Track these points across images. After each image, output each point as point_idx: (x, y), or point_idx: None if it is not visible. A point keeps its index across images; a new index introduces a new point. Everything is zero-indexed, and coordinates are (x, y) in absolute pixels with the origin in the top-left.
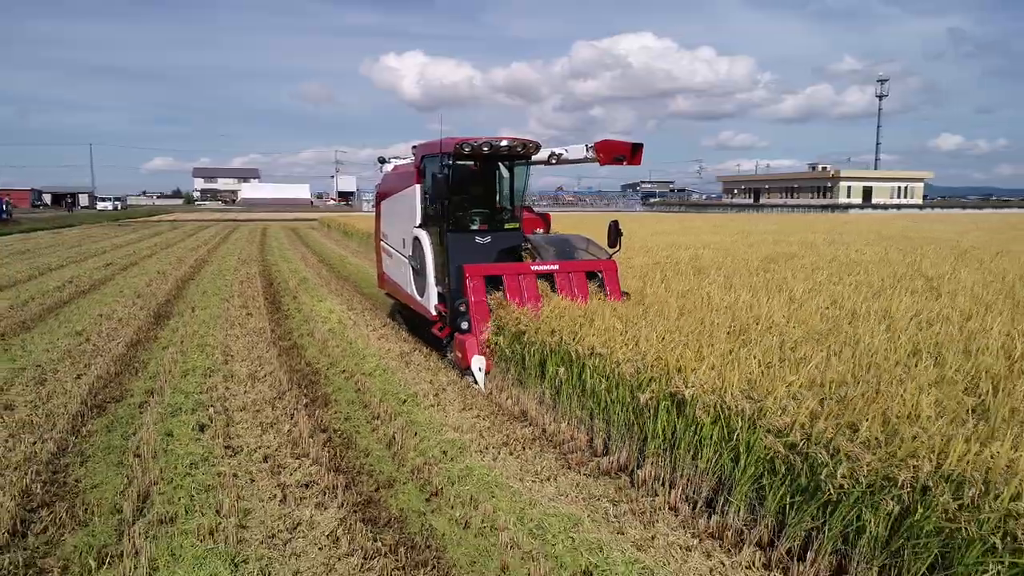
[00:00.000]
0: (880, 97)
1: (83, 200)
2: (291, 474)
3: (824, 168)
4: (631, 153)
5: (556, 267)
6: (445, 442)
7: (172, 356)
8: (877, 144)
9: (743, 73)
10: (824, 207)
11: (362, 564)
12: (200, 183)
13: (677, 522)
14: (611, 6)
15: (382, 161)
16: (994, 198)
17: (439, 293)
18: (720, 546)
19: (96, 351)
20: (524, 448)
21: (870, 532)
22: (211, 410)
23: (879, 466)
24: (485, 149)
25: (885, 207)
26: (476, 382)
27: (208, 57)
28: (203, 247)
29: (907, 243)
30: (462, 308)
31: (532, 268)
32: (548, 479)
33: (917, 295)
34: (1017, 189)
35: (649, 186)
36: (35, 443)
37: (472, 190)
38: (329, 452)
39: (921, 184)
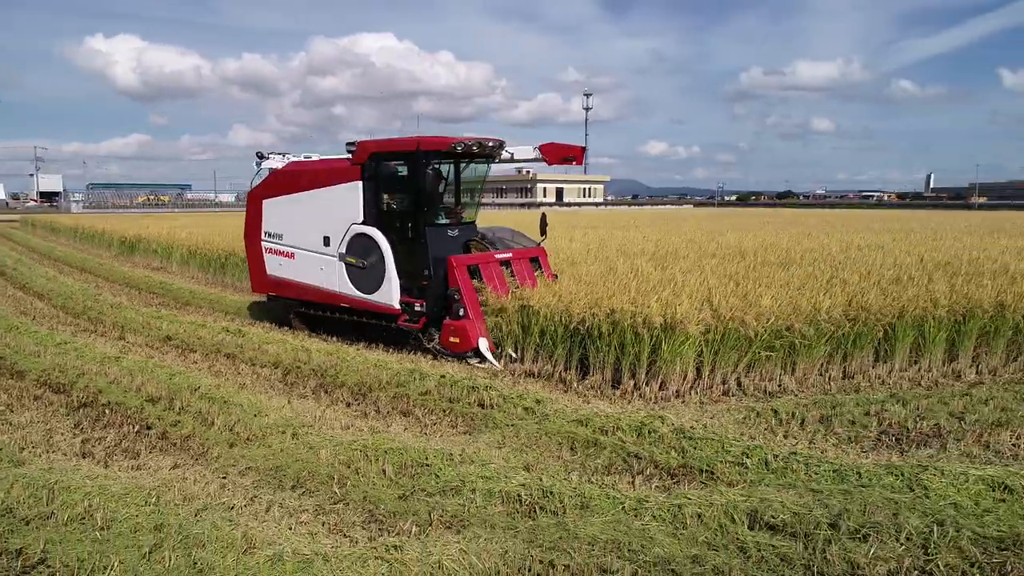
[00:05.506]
0: (587, 109)
1: None
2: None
3: (527, 172)
4: (581, 154)
5: (510, 255)
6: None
7: None
8: (584, 149)
9: (481, 79)
10: (523, 205)
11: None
12: None
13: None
14: (349, 3)
15: (261, 157)
16: (688, 196)
17: (402, 287)
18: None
19: None
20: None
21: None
22: None
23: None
24: (475, 148)
25: (570, 204)
26: (486, 361)
27: None
28: None
29: None
30: (456, 297)
31: (496, 257)
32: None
33: None
34: (706, 189)
35: None
36: None
37: (440, 186)
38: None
39: (602, 186)
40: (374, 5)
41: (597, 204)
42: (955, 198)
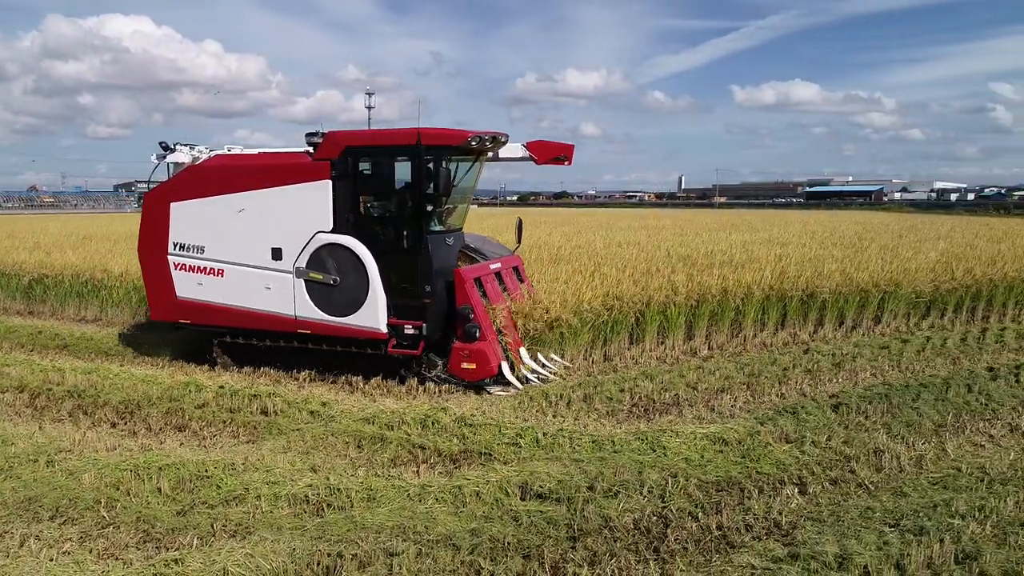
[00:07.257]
0: (369, 108)
1: None
2: None
3: None
4: (571, 152)
5: (499, 265)
6: None
7: None
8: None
9: (255, 72)
10: None
11: None
12: None
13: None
14: None
15: (166, 149)
16: (473, 197)
17: (391, 306)
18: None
19: None
20: None
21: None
22: None
23: None
24: (489, 144)
25: None
26: (511, 386)
27: None
28: None
29: None
30: (471, 316)
31: (491, 267)
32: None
33: None
34: (490, 190)
35: (144, 186)
36: None
37: (445, 186)
38: None
39: None
40: None
41: None
42: (701, 198)
